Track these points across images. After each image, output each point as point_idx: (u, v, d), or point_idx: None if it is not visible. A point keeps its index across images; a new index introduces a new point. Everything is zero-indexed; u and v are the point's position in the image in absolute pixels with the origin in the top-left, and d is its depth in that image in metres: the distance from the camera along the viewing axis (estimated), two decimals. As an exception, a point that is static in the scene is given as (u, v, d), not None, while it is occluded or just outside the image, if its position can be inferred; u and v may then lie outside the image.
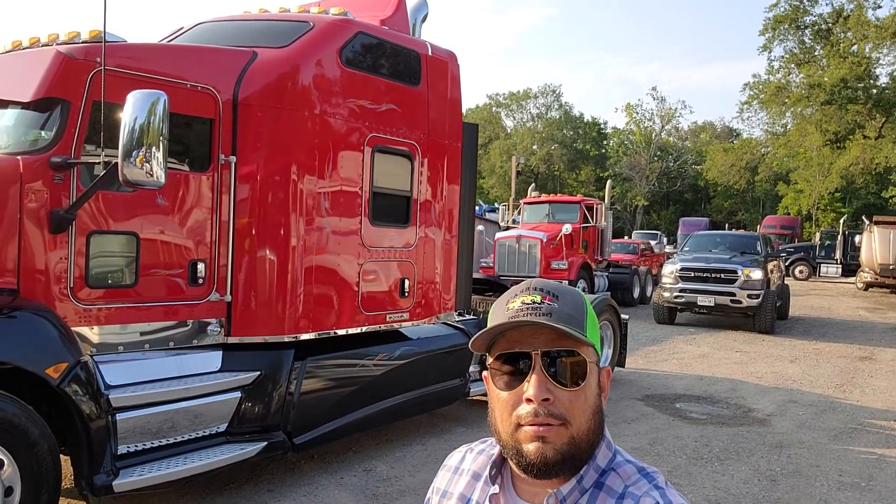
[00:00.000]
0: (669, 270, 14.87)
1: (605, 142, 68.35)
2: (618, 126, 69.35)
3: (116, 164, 3.76)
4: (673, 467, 5.63)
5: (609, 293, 11.77)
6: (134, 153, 3.71)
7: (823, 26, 34.22)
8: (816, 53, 34.37)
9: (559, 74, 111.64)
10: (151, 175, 3.76)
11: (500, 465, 1.29)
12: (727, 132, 69.89)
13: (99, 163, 3.89)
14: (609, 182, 19.65)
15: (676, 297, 14.58)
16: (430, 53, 6.00)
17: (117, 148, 3.75)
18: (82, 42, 4.15)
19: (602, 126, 69.02)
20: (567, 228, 16.14)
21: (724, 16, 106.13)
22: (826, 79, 30.55)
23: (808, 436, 6.73)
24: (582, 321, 1.20)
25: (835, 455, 6.15)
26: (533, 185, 21.74)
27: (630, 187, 59.61)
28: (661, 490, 1.18)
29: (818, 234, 41.30)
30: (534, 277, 11.52)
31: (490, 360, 1.24)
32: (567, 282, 15.57)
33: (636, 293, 19.37)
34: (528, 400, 1.16)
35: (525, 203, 19.26)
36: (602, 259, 18.19)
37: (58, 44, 4.19)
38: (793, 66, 34.64)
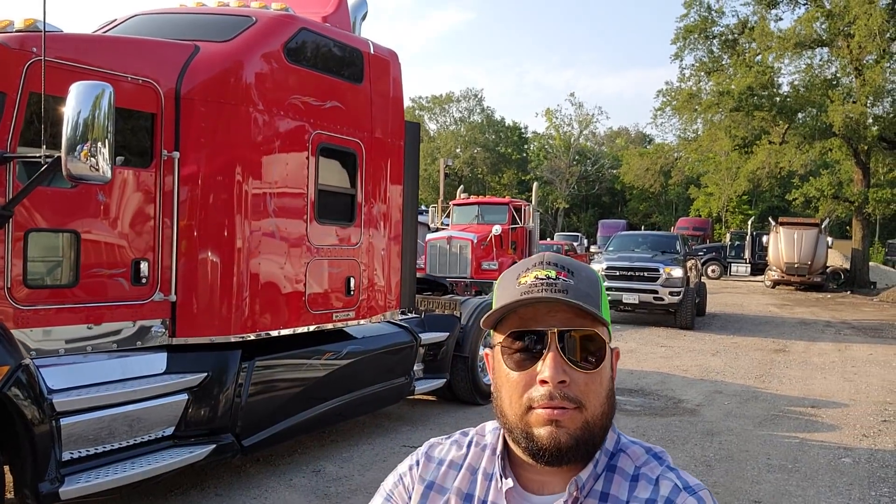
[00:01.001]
0: (596, 269, 15.25)
1: (526, 146, 69.61)
2: (538, 131, 70.77)
3: (59, 158, 3.61)
4: (614, 457, 5.81)
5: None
6: (78, 147, 3.56)
7: (730, 36, 35.90)
8: (724, 62, 35.99)
9: (478, 79, 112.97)
10: (97, 170, 3.62)
11: (506, 456, 1.21)
12: (641, 137, 72.40)
13: (39, 157, 3.71)
14: (535, 184, 20.02)
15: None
16: (372, 52, 6.00)
17: (59, 142, 3.61)
18: (16, 31, 3.97)
19: (523, 130, 70.28)
20: (497, 229, 16.36)
21: (636, 25, 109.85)
22: (734, 87, 32.05)
23: (735, 423, 7.07)
24: (598, 299, 1.15)
25: (761, 440, 6.48)
26: (462, 187, 21.88)
27: (551, 190, 60.93)
28: (675, 471, 1.16)
29: (728, 235, 43.29)
30: (465, 278, 11.56)
31: (499, 337, 1.17)
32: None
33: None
34: (543, 381, 1.09)
35: (454, 205, 19.40)
36: (530, 260, 18.51)
37: (-9, 33, 3.99)
38: (703, 74, 36.18)
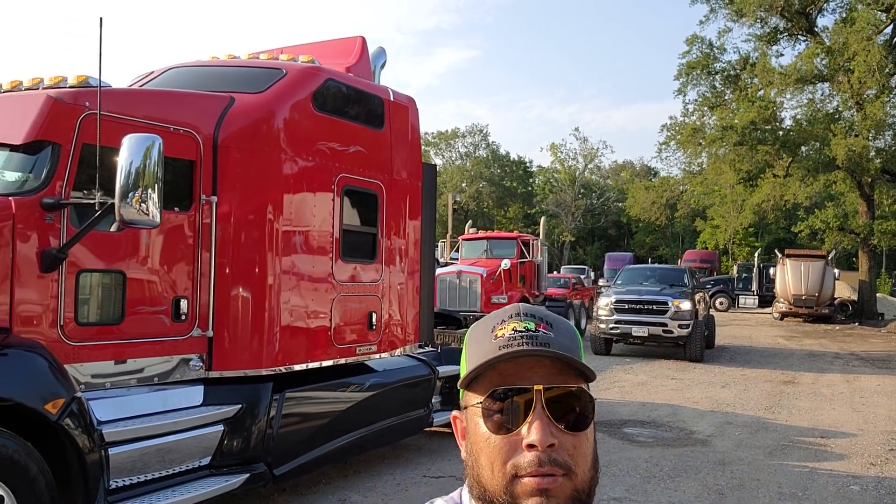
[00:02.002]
0: (605, 303, 15.50)
1: (531, 179, 70.19)
2: (543, 165, 71.37)
3: (112, 204, 3.91)
4: (629, 486, 5.98)
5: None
6: (130, 194, 3.87)
7: (732, 72, 36.48)
8: (727, 98, 36.52)
9: (482, 114, 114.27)
10: (147, 215, 3.93)
11: None
12: (646, 170, 72.95)
13: (93, 204, 4.01)
14: (543, 218, 20.34)
15: (612, 328, 15.19)
16: (391, 98, 6.34)
17: (112, 189, 3.92)
18: (69, 87, 4.30)
19: (528, 164, 70.94)
20: (506, 264, 16.62)
21: (638, 61, 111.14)
22: (737, 121, 32.51)
23: (746, 453, 7.23)
24: (578, 353, 1.06)
25: (772, 469, 6.64)
26: (470, 221, 22.20)
27: (557, 224, 61.27)
28: None
29: (735, 268, 43.43)
30: (475, 312, 11.80)
31: (475, 397, 1.05)
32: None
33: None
34: (531, 446, 0.98)
35: (463, 239, 19.69)
36: (539, 293, 18.74)
37: (43, 87, 4.32)
38: (706, 108, 36.71)
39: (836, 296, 30.74)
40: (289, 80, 5.40)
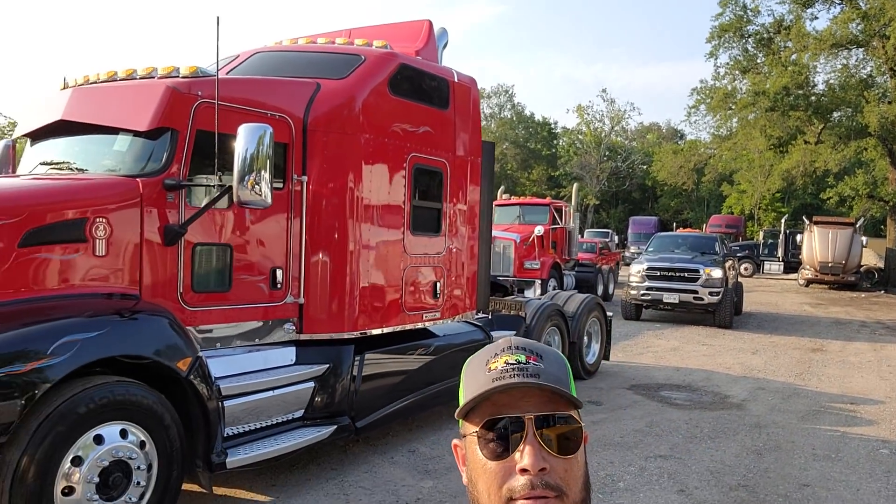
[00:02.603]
0: (636, 270, 15.88)
1: (555, 141, 69.87)
2: (567, 126, 70.91)
3: (230, 186, 4.39)
4: (672, 445, 6.48)
5: (593, 294, 12.62)
6: (246, 178, 4.34)
7: (765, 35, 35.98)
8: (759, 61, 36.12)
9: (505, 72, 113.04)
10: (260, 196, 4.41)
11: None
12: (672, 133, 72.32)
13: (212, 185, 4.49)
14: (576, 185, 20.62)
15: (643, 294, 15.60)
16: (455, 80, 6.71)
17: (223, 171, 4.39)
18: (182, 77, 4.73)
19: (552, 126, 70.54)
20: (539, 230, 17.02)
21: (665, 19, 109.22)
22: (769, 86, 32.24)
23: (780, 418, 7.69)
24: (567, 382, 1.15)
25: (805, 433, 7.10)
26: (503, 187, 22.51)
27: (581, 186, 61.06)
28: None
29: (761, 234, 43.38)
30: (507, 277, 12.21)
31: (471, 427, 1.14)
32: (539, 281, 16.46)
33: (599, 290, 20.40)
34: (524, 470, 1.07)
35: (496, 205, 20.04)
36: (569, 259, 19.15)
37: (158, 77, 4.76)
38: (737, 72, 36.36)
39: (862, 263, 30.75)
40: (367, 66, 5.80)
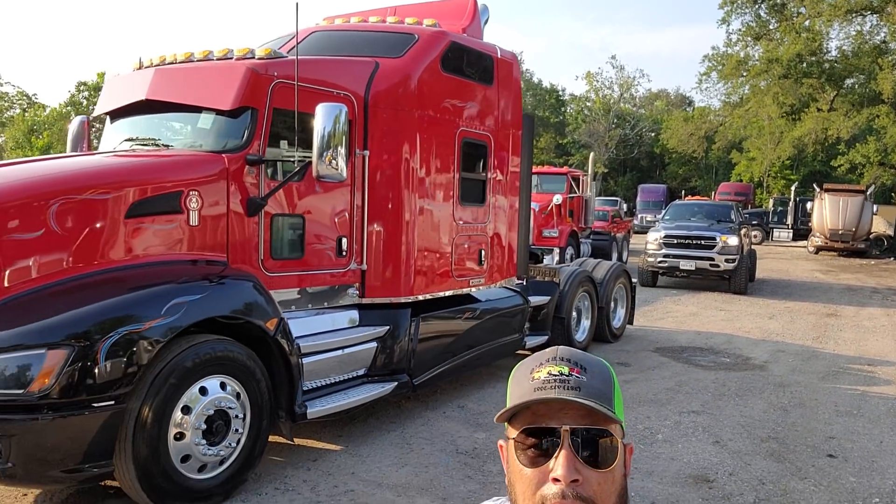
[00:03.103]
0: (654, 238, 16.24)
1: (563, 109, 69.58)
2: (575, 93, 70.56)
3: (310, 162, 4.76)
4: (703, 402, 6.91)
5: (619, 262, 12.97)
6: (324, 154, 4.70)
7: (779, 1, 35.75)
8: (771, 27, 35.97)
9: (510, 35, 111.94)
10: (337, 170, 4.77)
11: None
12: (681, 100, 71.98)
13: (292, 160, 4.86)
14: (592, 155, 20.87)
15: (660, 262, 15.98)
16: (499, 56, 7.02)
17: (297, 146, 4.76)
18: (258, 58, 5.06)
19: (560, 93, 70.21)
20: (558, 199, 17.36)
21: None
22: (782, 53, 32.17)
23: (801, 378, 8.10)
24: (611, 396, 1.17)
25: (826, 391, 7.52)
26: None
27: (588, 154, 61.08)
28: None
29: (771, 201, 43.58)
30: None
31: (513, 432, 1.18)
32: (558, 248, 16.83)
33: (614, 258, 20.79)
34: (556, 480, 1.11)
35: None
36: (586, 227, 19.51)
37: (236, 59, 5.09)
38: (749, 39, 36.22)
39: (872, 231, 30.98)
40: (421, 45, 6.11)
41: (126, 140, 5.33)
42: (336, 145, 4.72)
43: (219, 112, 4.98)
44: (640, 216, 42.89)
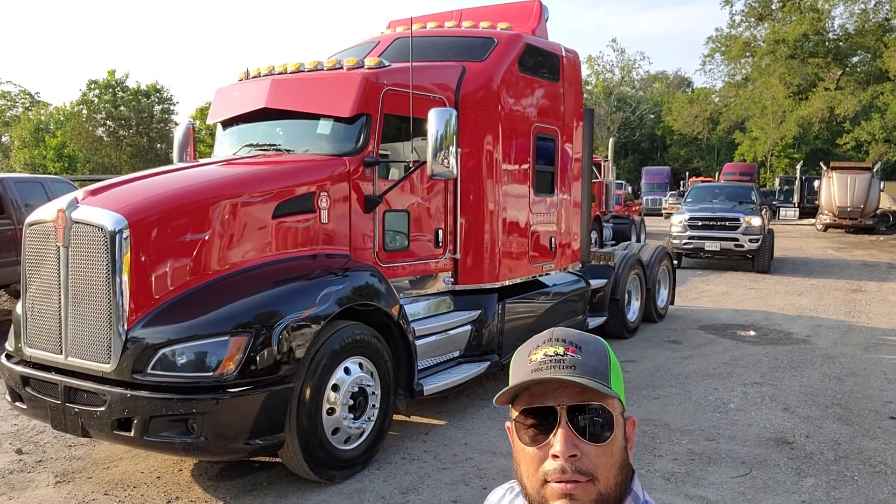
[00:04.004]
0: (678, 220, 16.71)
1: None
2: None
3: (425, 162, 5.22)
4: (761, 374, 7.41)
5: (661, 245, 13.42)
6: (438, 154, 5.16)
7: (782, -19, 36.02)
8: (774, 7, 36.25)
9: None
10: (449, 169, 5.23)
11: None
12: (680, 81, 72.21)
13: (408, 161, 5.32)
14: (612, 140, 21.27)
15: (685, 243, 16.46)
16: (563, 54, 7.46)
17: (404, 148, 5.23)
18: (367, 68, 5.51)
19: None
20: (583, 184, 17.78)
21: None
22: (786, 30, 32.50)
23: (845, 350, 8.61)
24: (606, 372, 1.20)
25: (872, 362, 8.03)
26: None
27: (616, 141, 61.30)
28: None
29: (777, 180, 44.04)
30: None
31: (514, 413, 1.23)
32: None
33: (633, 240, 21.28)
34: (555, 456, 1.15)
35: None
36: (607, 211, 19.97)
37: (347, 69, 5.54)
38: (752, 20, 36.52)
39: (879, 207, 31.42)
40: (501, 48, 6.55)
41: (245, 146, 5.77)
42: (448, 146, 5.18)
43: (337, 119, 5.43)
44: (644, 198, 43.31)
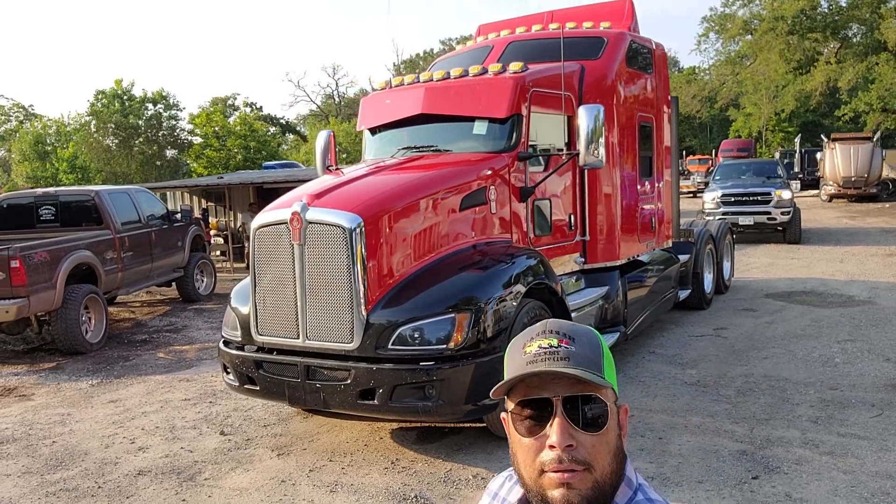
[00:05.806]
0: (711, 197, 17.41)
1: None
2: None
3: (578, 154, 5.85)
4: (848, 332, 8.10)
5: (724, 221, 14.05)
6: (590, 146, 5.78)
7: (774, -42, 36.63)
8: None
9: (481, 13, 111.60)
10: (599, 159, 5.85)
11: None
12: (672, 62, 72.79)
13: (561, 154, 5.94)
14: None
15: (720, 219, 17.11)
16: (654, 47, 8.09)
17: (545, 143, 5.85)
18: (513, 72, 6.11)
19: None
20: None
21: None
22: (786, 9, 33.20)
23: (910, 308, 9.33)
24: (599, 363, 1.22)
25: (940, 317, 8.76)
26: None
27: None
28: None
29: (777, 154, 44.83)
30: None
31: (510, 405, 1.25)
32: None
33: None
34: (552, 446, 1.17)
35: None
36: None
37: (494, 75, 6.14)
38: (746, -2, 37.17)
39: (881, 175, 32.14)
40: (611, 46, 7.17)
41: (403, 148, 6.36)
42: (598, 138, 5.80)
43: (492, 120, 6.03)
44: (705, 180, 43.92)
